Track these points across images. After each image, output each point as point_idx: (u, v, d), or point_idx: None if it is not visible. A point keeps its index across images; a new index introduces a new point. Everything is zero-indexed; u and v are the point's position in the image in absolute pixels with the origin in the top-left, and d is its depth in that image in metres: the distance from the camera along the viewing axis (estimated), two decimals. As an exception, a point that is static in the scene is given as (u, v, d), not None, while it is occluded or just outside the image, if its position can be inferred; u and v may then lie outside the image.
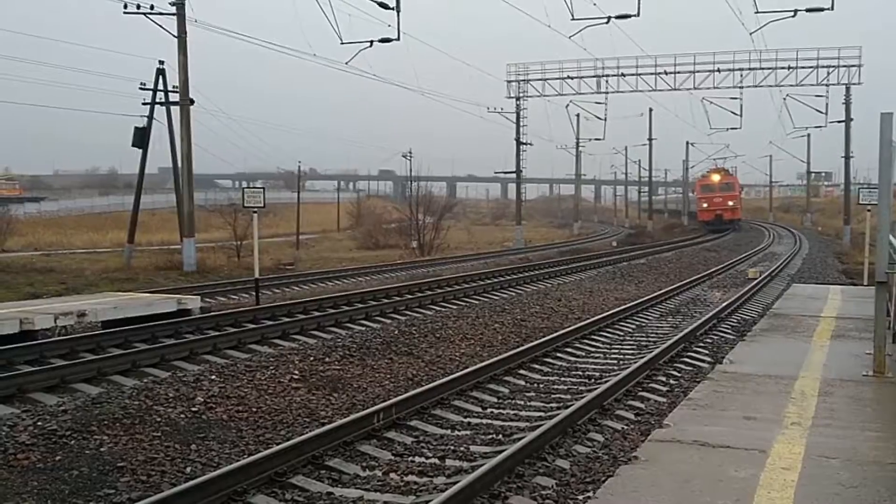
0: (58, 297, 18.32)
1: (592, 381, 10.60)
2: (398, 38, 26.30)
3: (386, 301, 17.97)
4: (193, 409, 8.61)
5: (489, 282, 22.58)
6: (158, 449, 7.41)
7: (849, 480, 5.42)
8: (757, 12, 27.73)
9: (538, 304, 18.02)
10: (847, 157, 48.45)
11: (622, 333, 14.63)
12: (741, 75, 43.46)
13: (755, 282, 22.80)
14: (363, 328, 14.69)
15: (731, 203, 64.20)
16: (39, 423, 7.63)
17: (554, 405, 9.28)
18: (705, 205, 64.60)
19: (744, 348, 10.74)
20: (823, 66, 43.27)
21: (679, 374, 10.96)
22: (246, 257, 29.99)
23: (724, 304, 17.28)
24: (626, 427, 8.35)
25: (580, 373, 11.20)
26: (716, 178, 64.84)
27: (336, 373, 10.63)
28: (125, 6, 27.69)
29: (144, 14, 27.83)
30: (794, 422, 6.88)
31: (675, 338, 12.83)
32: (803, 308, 14.66)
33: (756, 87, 43.92)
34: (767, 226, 71.81)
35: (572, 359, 12.20)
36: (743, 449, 6.10)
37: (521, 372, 11.04)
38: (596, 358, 12.38)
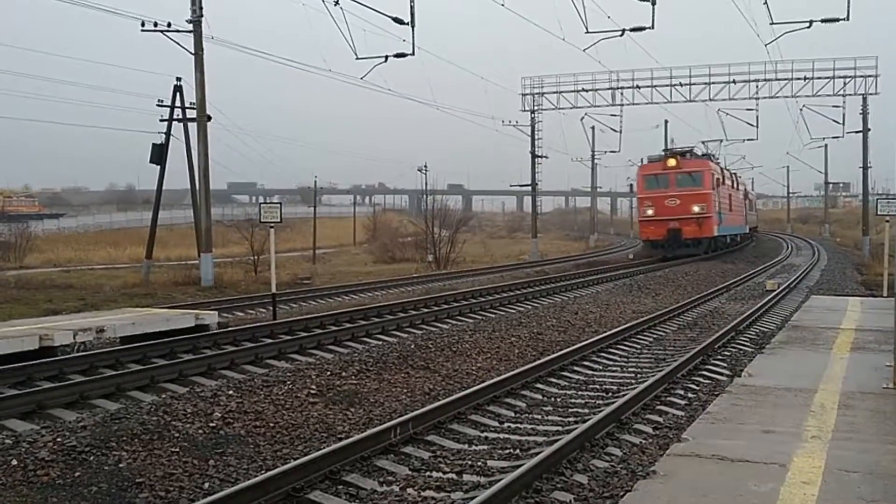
0: (77, 312, 18.45)
1: (610, 394, 10.56)
2: (413, 53, 26.42)
3: (402, 315, 17.99)
4: (211, 424, 8.63)
5: (505, 295, 22.55)
6: (177, 464, 7.44)
7: (870, 494, 5.36)
8: (772, 23, 27.70)
9: (555, 317, 17.98)
10: (865, 168, 48.16)
11: (639, 346, 14.57)
12: (757, 86, 43.32)
13: (773, 294, 22.66)
14: (380, 342, 14.70)
15: (697, 208, 38.90)
16: (59, 440, 7.67)
17: (571, 419, 9.25)
18: (650, 211, 39.80)
19: (762, 361, 10.66)
20: (840, 77, 43.09)
21: (697, 388, 10.90)
22: (263, 272, 30.12)
23: (743, 317, 17.18)
24: (644, 441, 8.31)
25: (597, 386, 11.16)
26: (671, 162, 39.68)
27: (353, 387, 10.63)
28: (142, 24, 27.99)
29: (162, 31, 28.10)
30: (814, 435, 6.83)
31: (693, 351, 12.77)
32: (822, 320, 14.56)
33: (772, 98, 43.76)
34: (785, 237, 71.35)
35: (589, 372, 12.17)
36: (762, 463, 6.06)
37: (539, 386, 11.01)
38: (613, 371, 12.33)
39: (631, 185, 42.69)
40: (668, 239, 39.47)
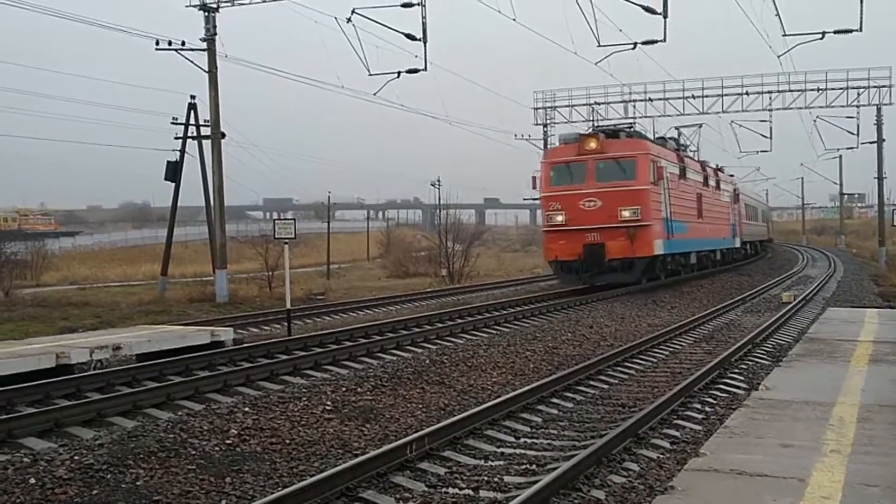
0: (93, 330, 18.55)
1: (626, 409, 10.51)
2: (425, 69, 26.61)
3: (417, 330, 17.98)
4: (228, 441, 8.65)
5: (520, 309, 22.50)
6: (193, 482, 7.44)
7: (891, 509, 5.31)
8: (784, 35, 27.67)
9: (570, 331, 17.93)
10: (880, 178, 47.94)
11: (656, 360, 14.50)
12: (770, 98, 43.20)
13: (790, 306, 22.54)
14: (395, 358, 14.69)
15: (627, 212, 26.70)
16: (76, 458, 7.70)
17: (588, 434, 9.21)
18: (559, 218, 27.50)
19: (780, 374, 10.59)
20: (853, 88, 42.91)
21: (714, 402, 10.84)
22: (277, 287, 30.19)
23: (759, 329, 17.09)
24: (661, 456, 8.27)
25: (614, 401, 11.11)
26: (591, 144, 27.36)
27: (368, 403, 10.63)
28: (157, 43, 28.26)
29: (176, 50, 28.37)
30: (833, 449, 6.77)
31: (710, 364, 12.70)
32: (839, 332, 14.45)
33: (785, 109, 43.64)
34: (801, 248, 70.99)
35: (605, 387, 12.12)
36: (781, 477, 6.00)
37: (554, 401, 10.97)
38: (629, 386, 12.28)
39: (533, 179, 28.46)
40: (586, 260, 26.60)
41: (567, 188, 27.38)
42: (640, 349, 15.06)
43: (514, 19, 27.23)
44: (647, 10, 24.25)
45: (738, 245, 43.52)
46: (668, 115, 45.11)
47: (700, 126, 42.79)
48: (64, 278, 45.87)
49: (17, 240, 49.14)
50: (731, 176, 45.39)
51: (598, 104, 46.06)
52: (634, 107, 45.45)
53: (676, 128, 41.90)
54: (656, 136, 34.59)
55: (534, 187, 28.36)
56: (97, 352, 13.11)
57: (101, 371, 12.61)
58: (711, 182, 36.88)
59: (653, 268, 28.11)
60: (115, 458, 7.76)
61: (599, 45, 27.94)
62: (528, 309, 22.67)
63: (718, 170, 40.51)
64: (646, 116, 45.66)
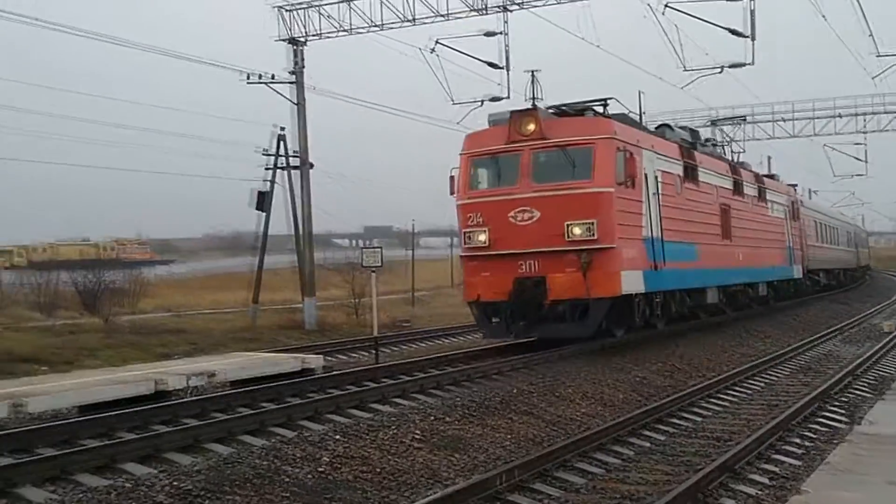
0: (188, 357, 19.09)
1: (722, 442, 10.26)
2: (508, 97, 26.73)
3: (502, 360, 17.84)
4: (320, 469, 8.75)
5: (607, 340, 22.12)
6: (288, 510, 7.55)
7: None
8: (878, 56, 26.89)
9: (659, 361, 17.58)
10: None
11: (750, 392, 14.14)
12: (864, 120, 41.95)
13: (891, 335, 21.68)
14: (481, 387, 14.62)
15: (579, 228, 16.67)
16: (175, 483, 7.90)
17: (682, 468, 9.01)
18: (481, 237, 17.49)
19: (883, 408, 10.21)
20: (954, 107, 41.29)
21: (814, 436, 10.49)
22: (363, 314, 30.55)
23: (859, 361, 16.49)
24: (760, 492, 8.03)
25: (708, 434, 10.86)
26: (528, 126, 17.17)
27: (456, 433, 10.62)
28: (248, 77, 29.18)
29: (266, 84, 29.22)
30: (945, 489, 6.47)
31: (808, 397, 12.31)
32: (947, 364, 13.84)
33: (881, 131, 42.28)
34: (900, 275, 68.26)
35: (698, 419, 11.85)
36: (889, 518, 5.77)
37: (646, 433, 10.79)
38: (724, 418, 11.99)
39: (451, 179, 18.16)
40: (518, 301, 17.44)
41: (492, 192, 18.08)
42: (734, 380, 14.71)
43: (597, 45, 27.17)
44: (734, 32, 23.93)
45: (796, 275, 33.00)
46: (757, 139, 44.15)
47: (743, 119, 35.94)
48: (159, 305, 47.24)
49: (116, 268, 50.99)
50: (792, 186, 35.96)
51: (685, 129, 45.36)
52: (722, 131, 44.63)
53: (713, 121, 35.29)
54: (657, 125, 25.22)
55: (451, 192, 18.58)
56: (193, 378, 13.47)
57: (196, 398, 12.95)
58: (749, 190, 27.16)
59: (627, 313, 18.65)
60: (213, 484, 7.93)
61: (686, 70, 27.65)
62: (617, 339, 22.26)
63: (768, 176, 31.69)
64: (733, 140, 44.78)
